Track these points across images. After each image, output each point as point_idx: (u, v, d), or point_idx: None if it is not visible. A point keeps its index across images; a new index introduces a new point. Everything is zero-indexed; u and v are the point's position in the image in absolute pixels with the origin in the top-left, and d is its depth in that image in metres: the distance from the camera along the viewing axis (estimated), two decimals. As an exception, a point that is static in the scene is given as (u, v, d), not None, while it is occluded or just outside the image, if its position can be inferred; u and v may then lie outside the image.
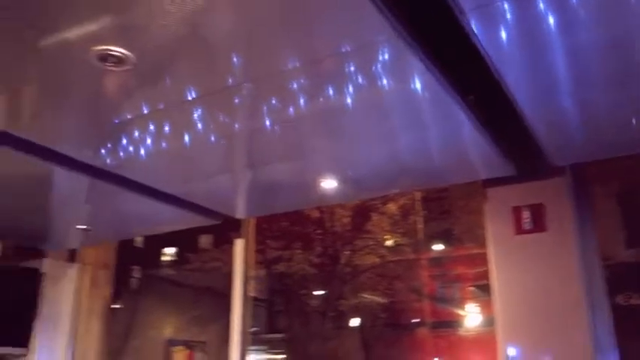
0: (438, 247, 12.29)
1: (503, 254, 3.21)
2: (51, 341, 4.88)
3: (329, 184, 3.41)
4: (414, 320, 12.58)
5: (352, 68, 2.30)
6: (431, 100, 2.48)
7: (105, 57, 2.04)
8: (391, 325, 12.59)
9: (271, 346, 13.10)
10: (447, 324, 12.05)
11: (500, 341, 3.09)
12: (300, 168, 3.21)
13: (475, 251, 10.46)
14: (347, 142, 2.94)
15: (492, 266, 3.21)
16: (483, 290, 10.69)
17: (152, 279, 11.19)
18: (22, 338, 4.66)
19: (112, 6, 1.87)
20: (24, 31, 1.99)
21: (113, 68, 2.10)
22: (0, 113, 2.61)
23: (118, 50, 2.02)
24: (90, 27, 1.90)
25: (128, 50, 2.02)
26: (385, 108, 2.62)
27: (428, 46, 2.13)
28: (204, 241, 12.67)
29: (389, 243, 11.75)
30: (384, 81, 2.37)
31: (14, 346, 4.66)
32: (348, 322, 12.66)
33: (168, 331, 10.49)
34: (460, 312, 11.77)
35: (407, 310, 12.57)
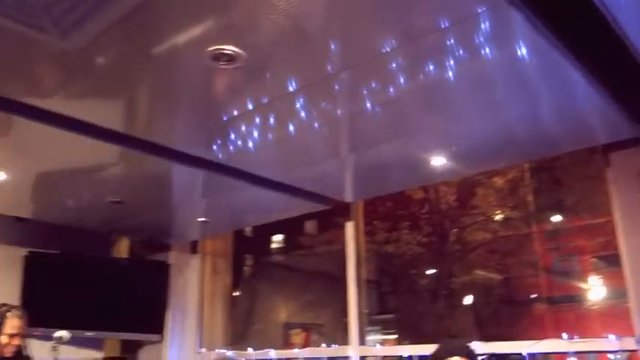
0: (552, 218, 11.73)
1: (631, 222, 3.02)
2: (181, 327, 5.23)
3: (436, 161, 3.37)
4: (530, 296, 12.13)
5: (452, 42, 2.26)
6: (540, 65, 2.38)
7: (218, 56, 2.15)
8: (506, 301, 12.22)
9: (383, 327, 13.19)
10: (567, 298, 11.49)
11: (634, 313, 2.93)
12: (406, 147, 3.20)
13: (593, 221, 9.87)
14: (452, 117, 2.89)
15: (620, 235, 3.03)
16: (606, 261, 10.08)
17: (265, 266, 11.62)
18: (155, 325, 5.05)
19: (225, 5, 1.94)
20: (139, 40, 2.14)
21: (225, 67, 2.21)
22: (119, 117, 2.83)
23: (230, 49, 2.12)
24: (204, 28, 2.01)
25: (239, 48, 2.12)
26: (490, 79, 2.54)
27: (535, 6, 2.04)
28: (310, 227, 12.95)
29: (498, 218, 11.39)
30: (487, 51, 2.31)
31: (149, 332, 5.06)
32: (460, 300, 12.45)
33: (284, 314, 10.88)
34: (581, 285, 11.16)
35: (522, 286, 12.14)
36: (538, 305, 11.97)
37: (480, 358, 3.22)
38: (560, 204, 11.58)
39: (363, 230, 4.18)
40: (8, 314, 3.17)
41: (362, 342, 4.06)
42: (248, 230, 6.66)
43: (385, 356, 3.91)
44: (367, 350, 4.03)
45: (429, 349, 3.44)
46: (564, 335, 3.04)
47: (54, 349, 2.94)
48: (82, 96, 2.59)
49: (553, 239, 11.74)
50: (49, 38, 2.07)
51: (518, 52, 2.30)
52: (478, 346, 3.30)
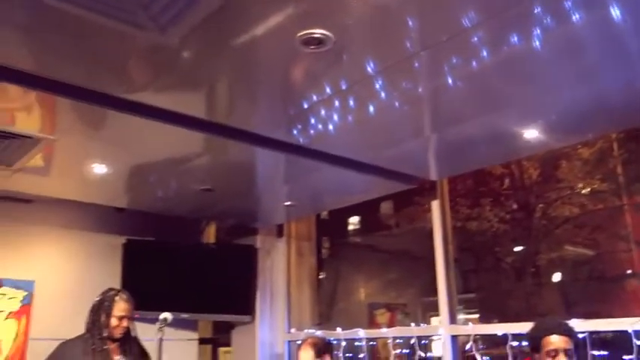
0: (645, 190, 11.07)
1: None
2: (270, 309, 5.39)
3: (525, 134, 3.26)
4: (623, 272, 11.56)
5: (539, 10, 2.18)
6: (636, 26, 2.25)
7: (308, 41, 2.17)
8: (597, 278, 11.71)
9: (465, 306, 13.00)
10: (666, 273, 10.85)
11: None
12: (493, 121, 3.12)
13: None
14: (539, 88, 2.79)
15: None
16: None
17: (347, 247, 11.72)
18: (246, 307, 5.22)
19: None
20: (229, 29, 2.19)
21: (313, 51, 2.24)
22: (204, 106, 2.92)
23: (319, 32, 2.14)
24: (294, 13, 2.03)
25: (328, 30, 2.13)
26: (582, 45, 2.43)
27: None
28: (388, 207, 12.89)
29: (586, 191, 10.88)
30: (577, 16, 2.20)
31: (240, 314, 5.24)
32: (547, 277, 12.04)
33: (367, 295, 10.97)
34: (682, 259, 10.48)
35: (614, 262, 11.58)
36: (632, 281, 11.39)
37: (580, 336, 3.13)
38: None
39: (449, 208, 4.12)
40: (117, 298, 3.37)
41: (452, 321, 4.02)
42: (325, 214, 6.75)
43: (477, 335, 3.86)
44: (458, 329, 3.99)
45: (524, 327, 3.38)
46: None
47: (159, 329, 3.11)
48: (171, 87, 2.70)
49: (647, 211, 11.08)
50: (147, 34, 2.16)
51: (612, 14, 2.19)
52: (577, 324, 3.20)
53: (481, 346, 3.76)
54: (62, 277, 4.71)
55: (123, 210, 4.81)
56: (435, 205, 4.11)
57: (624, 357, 3.14)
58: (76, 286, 4.69)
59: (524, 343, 3.38)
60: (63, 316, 4.48)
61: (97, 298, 3.41)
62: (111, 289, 3.47)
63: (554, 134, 3.30)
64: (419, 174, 3.95)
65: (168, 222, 5.11)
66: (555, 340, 2.77)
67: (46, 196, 4.35)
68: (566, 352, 2.74)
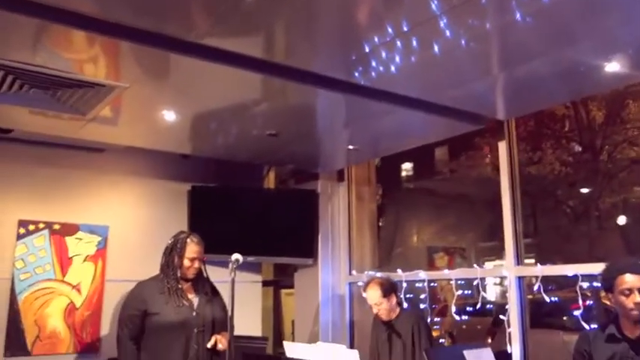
0: None
1: None
2: (331, 252, 5.48)
3: (598, 69, 3.11)
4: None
5: None
6: None
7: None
8: (663, 221, 11.28)
9: (525, 251, 12.86)
10: None
11: None
12: (564, 57, 2.96)
13: None
14: (616, 18, 2.62)
15: None
16: None
17: (406, 192, 11.73)
18: (308, 250, 5.32)
19: None
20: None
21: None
22: (265, 47, 2.90)
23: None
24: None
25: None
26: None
27: None
28: (445, 151, 12.72)
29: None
30: None
31: (302, 257, 5.35)
32: (609, 221, 11.71)
33: (427, 238, 11.03)
34: None
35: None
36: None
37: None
38: None
39: (517, 149, 4.01)
40: (188, 240, 3.50)
41: (519, 262, 3.99)
42: (379, 159, 6.72)
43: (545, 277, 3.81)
44: (525, 270, 3.95)
45: (593, 268, 3.32)
46: None
47: (232, 270, 3.21)
48: (233, 29, 2.68)
49: None
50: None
51: None
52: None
53: (550, 287, 3.72)
54: (133, 222, 4.92)
55: (188, 157, 4.93)
56: (502, 146, 4.01)
57: None
58: (147, 230, 4.89)
59: (595, 284, 3.33)
60: (135, 259, 4.70)
61: (170, 241, 3.55)
62: (182, 232, 3.61)
63: (632, 68, 3.13)
64: (486, 113, 3.83)
65: (231, 168, 5.21)
66: (629, 279, 2.71)
67: (117, 144, 4.49)
68: None
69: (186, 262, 3.45)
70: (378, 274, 4.95)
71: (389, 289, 3.88)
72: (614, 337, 2.81)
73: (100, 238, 4.73)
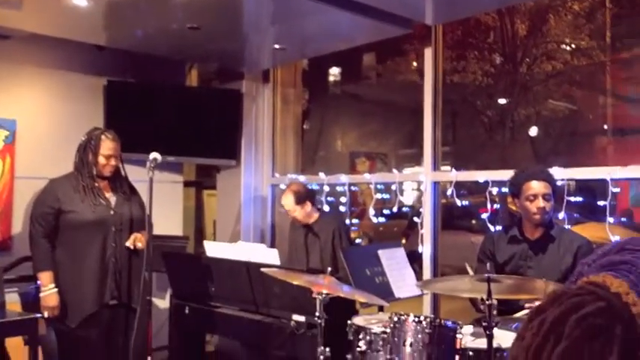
0: (631, 47, 10.96)
1: None
2: (254, 154, 5.45)
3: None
4: (597, 127, 11.82)
5: None
6: None
7: None
8: (570, 133, 11.99)
9: (441, 158, 13.40)
10: (639, 130, 11.13)
11: None
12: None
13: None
14: None
15: None
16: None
17: (331, 96, 11.69)
18: (230, 152, 5.26)
19: None
20: None
21: None
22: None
23: None
24: None
25: None
26: None
27: None
28: (372, 56, 12.65)
29: (572, 46, 10.75)
30: None
31: (225, 158, 5.29)
32: (522, 132, 12.30)
33: (349, 143, 11.18)
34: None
35: (590, 118, 11.80)
36: (603, 137, 11.71)
37: (560, 183, 3.25)
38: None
39: (442, 57, 4.03)
40: (102, 137, 3.36)
41: (435, 168, 4.13)
42: (306, 63, 6.60)
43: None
44: (441, 175, 4.11)
45: (504, 174, 3.49)
46: (653, 161, 2.99)
47: (150, 169, 3.14)
48: None
49: (630, 69, 11.09)
50: None
51: None
52: (557, 172, 3.31)
53: (462, 192, 3.90)
54: (44, 116, 4.63)
55: (103, 48, 4.62)
56: (428, 52, 4.01)
57: (599, 202, 3.30)
58: (59, 126, 4.63)
59: (504, 190, 3.53)
60: (47, 155, 4.48)
61: (83, 138, 3.40)
62: (96, 129, 3.45)
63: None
64: (414, 17, 3.78)
65: (151, 63, 4.94)
66: (535, 186, 2.89)
67: (23, 30, 4.11)
68: (544, 196, 2.87)
69: (102, 160, 3.33)
70: (300, 178, 5.01)
71: (303, 196, 3.95)
72: (516, 238, 3.02)
73: (7, 133, 4.43)
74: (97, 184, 3.34)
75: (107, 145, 3.35)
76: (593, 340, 0.58)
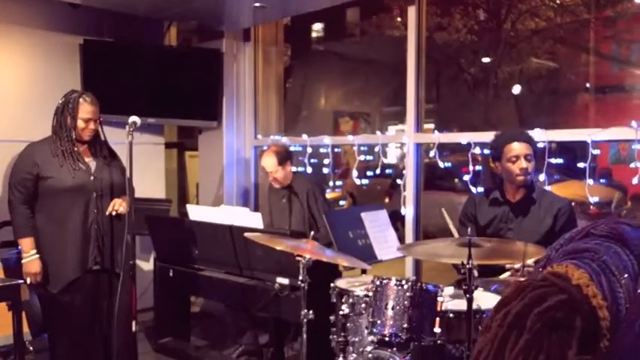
0: (616, 3, 10.87)
1: None
2: (236, 115, 5.38)
3: None
4: (579, 85, 11.84)
5: None
6: None
7: None
8: (552, 92, 12.02)
9: (424, 116, 13.40)
10: (619, 88, 11.18)
11: None
12: None
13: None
14: None
15: None
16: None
17: (314, 54, 11.52)
18: (211, 113, 5.19)
19: None
20: None
21: None
22: None
23: None
24: None
25: None
26: None
27: None
28: (356, 13, 12.45)
29: (557, 2, 10.64)
30: None
31: (206, 119, 5.22)
32: (506, 90, 12.30)
33: (333, 102, 11.09)
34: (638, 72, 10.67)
35: (572, 75, 11.81)
36: (585, 94, 11.75)
37: (541, 144, 3.27)
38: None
39: (426, 15, 3.96)
40: (80, 100, 3.27)
41: (418, 129, 4.12)
42: (288, 19, 6.47)
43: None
44: (423, 137, 4.10)
45: (486, 136, 3.50)
46: (633, 123, 3.00)
47: (129, 133, 3.08)
48: None
49: (614, 26, 11.04)
50: None
51: None
52: (538, 134, 3.32)
53: (445, 153, 3.91)
54: (18, 77, 4.51)
55: (78, 6, 4.46)
56: (412, 10, 3.94)
57: (579, 164, 3.33)
58: (35, 87, 4.51)
59: (486, 151, 3.54)
60: (23, 118, 4.38)
61: (60, 101, 3.31)
62: (74, 91, 3.36)
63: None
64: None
65: (128, 22, 4.81)
66: (516, 147, 2.90)
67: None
68: (526, 157, 2.89)
69: (81, 124, 3.26)
70: (283, 140, 4.98)
71: (285, 156, 3.95)
72: (497, 200, 3.05)
73: (-20, 94, 4.32)
74: (76, 149, 3.27)
75: (85, 109, 3.27)
76: (553, 333, 0.60)
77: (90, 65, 4.76)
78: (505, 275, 2.68)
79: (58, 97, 3.34)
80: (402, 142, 4.22)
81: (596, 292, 0.61)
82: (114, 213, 3.26)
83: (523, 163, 2.88)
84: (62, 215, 3.21)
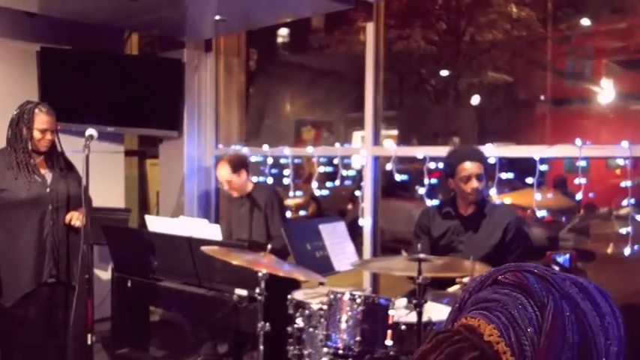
0: (571, 19, 11.25)
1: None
2: (198, 125, 5.38)
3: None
4: (535, 97, 12.21)
5: None
6: None
7: None
8: (510, 102, 12.37)
9: (387, 123, 13.61)
10: (575, 100, 11.56)
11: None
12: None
13: (615, 25, 9.51)
14: None
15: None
16: (622, 65, 9.95)
17: (276, 64, 11.56)
18: (172, 122, 5.17)
19: None
20: None
21: None
22: None
23: None
24: None
25: None
26: None
27: None
28: (319, 24, 12.55)
29: (514, 16, 10.96)
30: None
31: (167, 129, 5.21)
32: (465, 100, 12.60)
33: (295, 112, 11.16)
34: (592, 88, 11.07)
35: (529, 88, 12.17)
36: (541, 106, 12.12)
37: (492, 160, 3.39)
38: (582, 2, 11.01)
39: (383, 32, 4.06)
40: (36, 110, 3.24)
41: (376, 142, 4.21)
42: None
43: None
44: (381, 150, 4.19)
45: (441, 150, 3.60)
46: (578, 141, 3.15)
47: (85, 146, 3.07)
48: None
49: (568, 42, 11.43)
50: None
51: None
52: (489, 150, 3.44)
53: (400, 165, 3.99)
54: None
55: (35, 15, 4.41)
56: (370, 27, 4.03)
57: (527, 179, 3.47)
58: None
59: (440, 166, 3.65)
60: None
61: (15, 112, 3.27)
62: (29, 102, 3.33)
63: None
64: (356, -6, 3.80)
65: (87, 30, 4.76)
66: (468, 167, 3.01)
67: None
68: (477, 176, 3.00)
69: (37, 134, 3.23)
70: (243, 149, 5.01)
71: (238, 164, 3.98)
72: (450, 214, 3.16)
73: None
74: (32, 160, 3.24)
75: (41, 119, 3.24)
76: None
77: (47, 73, 4.70)
78: (455, 288, 2.78)
79: (14, 105, 3.30)
80: (361, 154, 4.29)
81: (505, 349, 0.65)
82: (69, 224, 3.24)
83: (474, 183, 2.99)
84: (17, 228, 3.18)
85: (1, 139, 3.28)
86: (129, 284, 3.96)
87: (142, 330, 4.44)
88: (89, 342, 3.15)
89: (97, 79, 4.89)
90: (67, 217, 3.24)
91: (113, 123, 4.90)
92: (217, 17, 4.26)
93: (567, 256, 2.33)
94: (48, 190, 3.24)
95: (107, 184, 4.85)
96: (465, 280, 2.57)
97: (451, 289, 2.78)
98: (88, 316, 3.15)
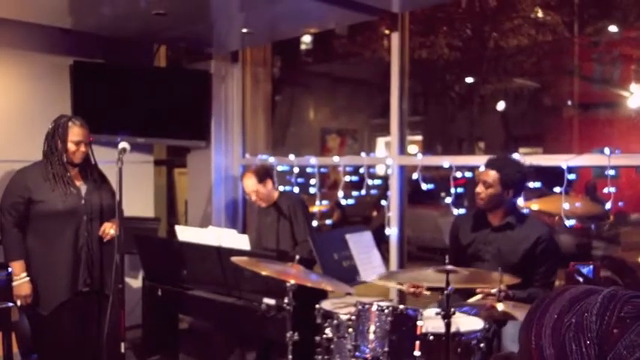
0: (599, 24, 11.08)
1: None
2: (225, 135, 5.47)
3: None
4: (562, 102, 12.06)
5: None
6: None
7: None
8: (536, 107, 12.23)
9: (412, 128, 13.58)
10: (603, 105, 11.37)
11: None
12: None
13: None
14: None
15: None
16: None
17: (302, 73, 11.64)
18: (200, 133, 5.26)
19: None
20: None
21: None
22: None
23: None
24: None
25: None
26: None
27: None
28: (344, 33, 12.61)
29: (539, 21, 10.85)
30: None
31: (195, 139, 5.30)
32: (490, 106, 12.51)
33: (320, 120, 11.22)
34: (621, 93, 10.86)
35: (555, 93, 12.03)
36: (568, 111, 11.96)
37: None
38: (609, 8, 10.86)
39: (408, 41, 4.08)
40: (70, 123, 3.34)
41: (402, 152, 4.22)
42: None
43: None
44: (407, 159, 4.21)
45: (468, 159, 3.62)
46: (606, 150, 3.12)
47: (119, 159, 3.15)
48: None
49: (597, 46, 11.26)
50: None
51: None
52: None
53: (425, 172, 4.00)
54: (9, 98, 4.56)
55: (69, 31, 4.54)
56: (395, 37, 4.06)
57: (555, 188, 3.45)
58: (25, 108, 4.57)
59: (467, 174, 3.66)
60: (12, 138, 4.43)
61: (50, 125, 3.38)
62: (63, 116, 3.42)
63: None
64: (380, 5, 3.83)
65: (118, 44, 4.88)
66: (481, 172, 3.09)
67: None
68: (484, 182, 3.02)
69: (71, 147, 3.32)
70: (271, 159, 5.07)
71: (264, 174, 4.06)
72: (479, 222, 3.15)
73: (-29, 116, 4.37)
74: (68, 173, 3.34)
75: (75, 132, 3.34)
76: None
77: (80, 86, 4.82)
78: (476, 298, 2.78)
79: (48, 117, 3.40)
80: (387, 163, 4.31)
81: None
82: (105, 238, 3.33)
83: (478, 188, 3.02)
84: (53, 238, 3.27)
85: (38, 152, 3.39)
86: (159, 293, 4.04)
87: (171, 338, 4.52)
88: (122, 350, 3.23)
89: (127, 91, 5.00)
90: (102, 229, 3.33)
91: (143, 134, 4.99)
92: (244, 30, 4.34)
93: (591, 266, 2.33)
94: (83, 201, 3.33)
95: (137, 193, 4.94)
96: (493, 291, 2.57)
97: (472, 300, 2.78)
98: (120, 325, 3.23)
